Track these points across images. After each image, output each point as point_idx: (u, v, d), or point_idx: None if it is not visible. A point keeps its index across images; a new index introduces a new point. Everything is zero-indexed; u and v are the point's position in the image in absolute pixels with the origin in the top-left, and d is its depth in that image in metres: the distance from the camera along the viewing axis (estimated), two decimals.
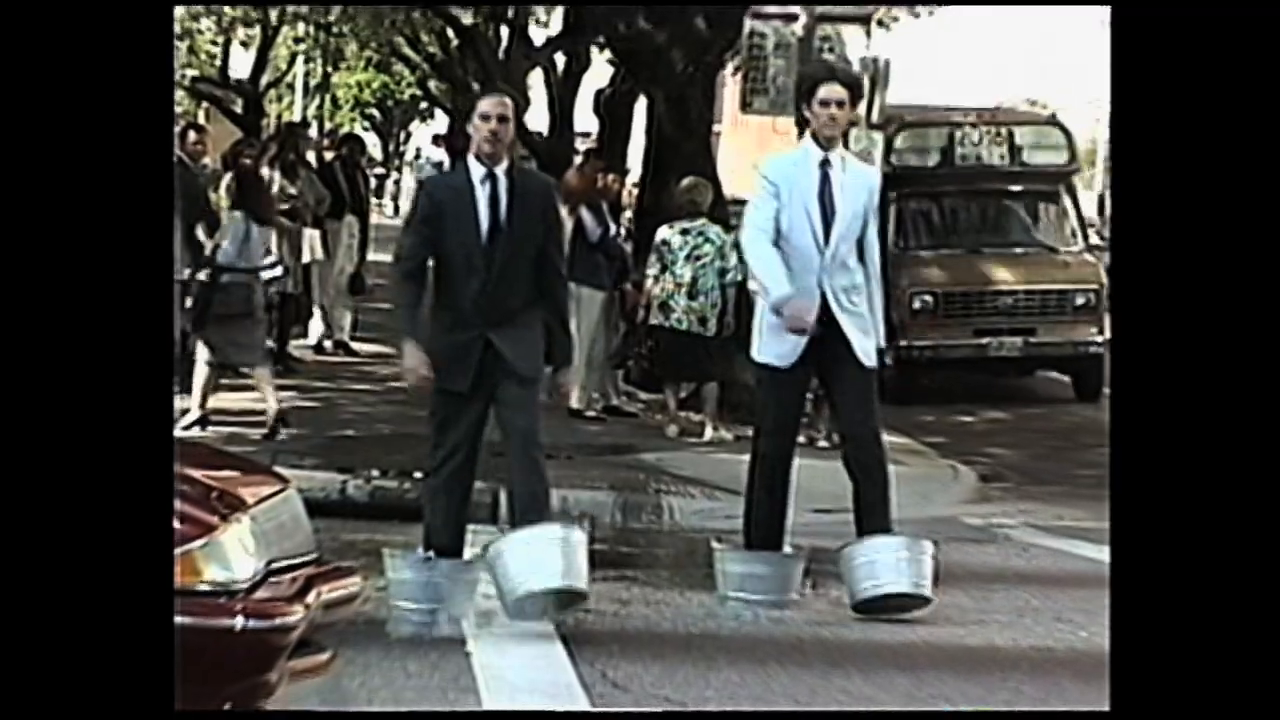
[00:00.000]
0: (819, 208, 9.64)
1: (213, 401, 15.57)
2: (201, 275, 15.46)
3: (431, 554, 9.19)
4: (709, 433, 17.19)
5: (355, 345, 22.31)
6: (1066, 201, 23.50)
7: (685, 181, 18.17)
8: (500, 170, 9.17)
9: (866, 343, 9.78)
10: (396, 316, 9.83)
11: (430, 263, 9.48)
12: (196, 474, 7.11)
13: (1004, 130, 23.22)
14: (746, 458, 16.14)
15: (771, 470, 9.94)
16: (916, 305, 21.85)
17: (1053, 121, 23.95)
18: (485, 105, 9.30)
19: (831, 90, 9.66)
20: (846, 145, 9.99)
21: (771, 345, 9.75)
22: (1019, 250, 23.04)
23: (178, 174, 19.37)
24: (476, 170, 9.19)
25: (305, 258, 21.38)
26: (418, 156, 74.52)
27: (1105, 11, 23.18)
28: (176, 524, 6.47)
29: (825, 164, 9.67)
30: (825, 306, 9.66)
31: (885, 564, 9.66)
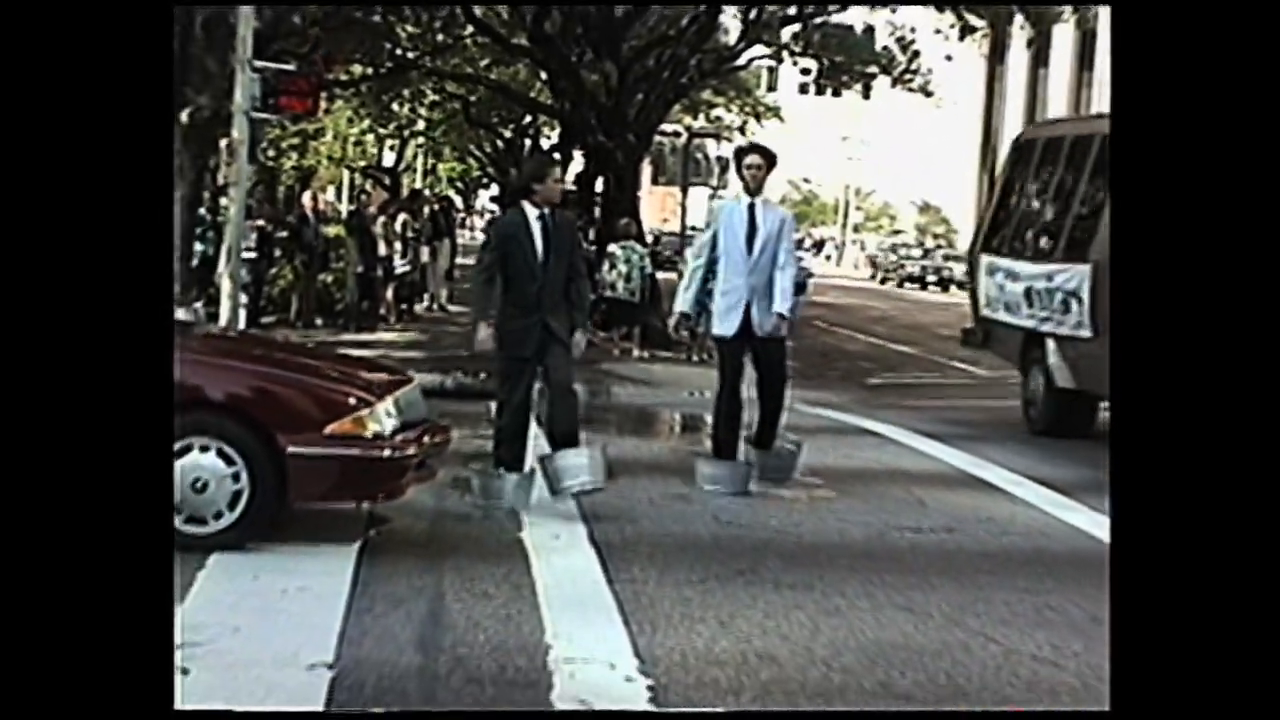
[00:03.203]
0: (745, 231, 8.58)
1: (373, 335, 15.40)
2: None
3: (502, 470, 7.71)
4: (635, 353, 17.19)
5: (450, 308, 22.42)
6: None
7: (622, 220, 18.45)
8: (547, 211, 7.90)
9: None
10: (474, 306, 8.30)
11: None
12: (365, 373, 6.98)
13: None
14: (656, 368, 16.12)
15: (728, 404, 8.67)
16: None
17: None
18: (556, 171, 8.28)
19: (752, 158, 8.68)
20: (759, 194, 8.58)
21: (722, 325, 8.61)
22: None
23: (357, 218, 19.53)
24: (532, 211, 7.86)
25: (424, 259, 21.70)
26: (482, 209, 74.52)
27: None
28: (352, 400, 6.33)
29: (751, 206, 8.65)
30: (748, 302, 8.55)
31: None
